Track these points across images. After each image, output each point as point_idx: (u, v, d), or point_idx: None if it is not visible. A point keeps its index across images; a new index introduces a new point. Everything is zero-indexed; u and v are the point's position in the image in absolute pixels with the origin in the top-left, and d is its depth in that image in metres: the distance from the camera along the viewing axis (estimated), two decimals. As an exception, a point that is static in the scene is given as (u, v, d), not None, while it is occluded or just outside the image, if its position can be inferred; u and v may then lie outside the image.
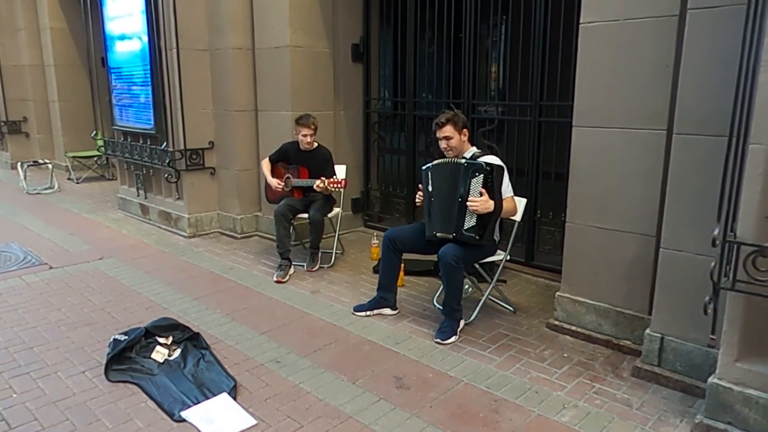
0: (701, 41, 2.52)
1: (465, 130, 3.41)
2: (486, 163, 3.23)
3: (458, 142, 3.39)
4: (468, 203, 3.21)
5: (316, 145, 4.52)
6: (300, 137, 4.40)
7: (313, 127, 4.38)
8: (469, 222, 3.26)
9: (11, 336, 3.33)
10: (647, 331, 2.88)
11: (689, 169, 2.62)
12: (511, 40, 4.48)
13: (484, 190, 3.21)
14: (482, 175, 3.21)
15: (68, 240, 5.37)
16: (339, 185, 4.30)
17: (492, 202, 3.21)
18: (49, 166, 7.93)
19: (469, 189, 3.23)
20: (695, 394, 2.68)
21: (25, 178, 7.68)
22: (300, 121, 4.39)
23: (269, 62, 5.08)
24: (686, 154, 2.62)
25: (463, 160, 3.30)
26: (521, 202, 3.53)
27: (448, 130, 3.37)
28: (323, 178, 4.26)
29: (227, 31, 5.11)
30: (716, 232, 2.21)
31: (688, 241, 2.65)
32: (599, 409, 2.61)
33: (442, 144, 3.41)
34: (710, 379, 2.38)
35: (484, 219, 3.24)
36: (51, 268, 4.54)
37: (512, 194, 3.41)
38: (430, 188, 3.43)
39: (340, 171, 4.68)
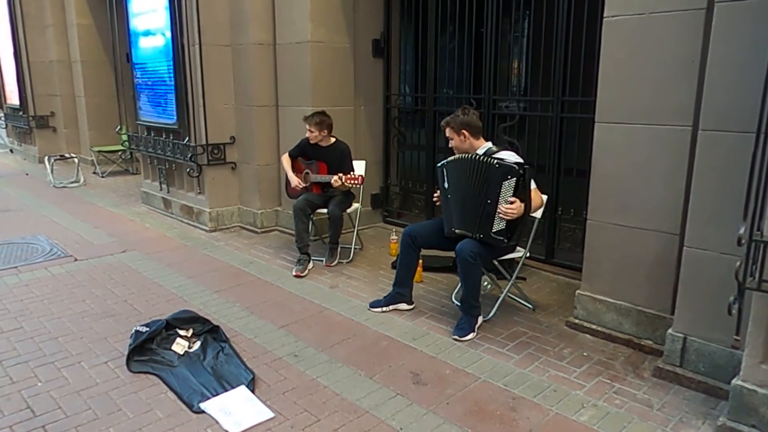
0: (729, 35, 2.45)
1: (463, 130, 3.39)
2: (517, 164, 3.16)
3: (459, 143, 3.43)
4: (500, 212, 3.15)
5: (333, 140, 4.53)
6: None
7: (314, 123, 4.36)
8: (498, 225, 3.21)
9: (37, 326, 3.41)
10: (669, 330, 2.83)
11: (715, 166, 2.56)
12: (533, 35, 4.43)
13: (516, 198, 3.15)
14: (515, 179, 3.14)
15: (93, 233, 5.48)
16: (355, 181, 4.30)
17: (523, 206, 3.17)
18: (75, 160, 8.08)
19: (499, 193, 3.16)
20: (718, 395, 2.63)
21: (52, 171, 7.84)
22: (305, 119, 4.43)
23: (290, 58, 5.11)
24: (712, 150, 2.56)
25: (495, 161, 3.20)
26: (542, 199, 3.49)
27: (447, 132, 3.47)
28: (340, 175, 4.27)
29: (249, 27, 5.15)
30: (742, 230, 2.16)
31: (713, 239, 2.60)
32: (619, 409, 2.58)
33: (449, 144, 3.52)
34: (734, 381, 2.33)
35: (513, 222, 3.20)
36: (76, 260, 4.64)
37: (536, 186, 3.34)
38: (446, 185, 3.42)
39: (360, 166, 4.68)
